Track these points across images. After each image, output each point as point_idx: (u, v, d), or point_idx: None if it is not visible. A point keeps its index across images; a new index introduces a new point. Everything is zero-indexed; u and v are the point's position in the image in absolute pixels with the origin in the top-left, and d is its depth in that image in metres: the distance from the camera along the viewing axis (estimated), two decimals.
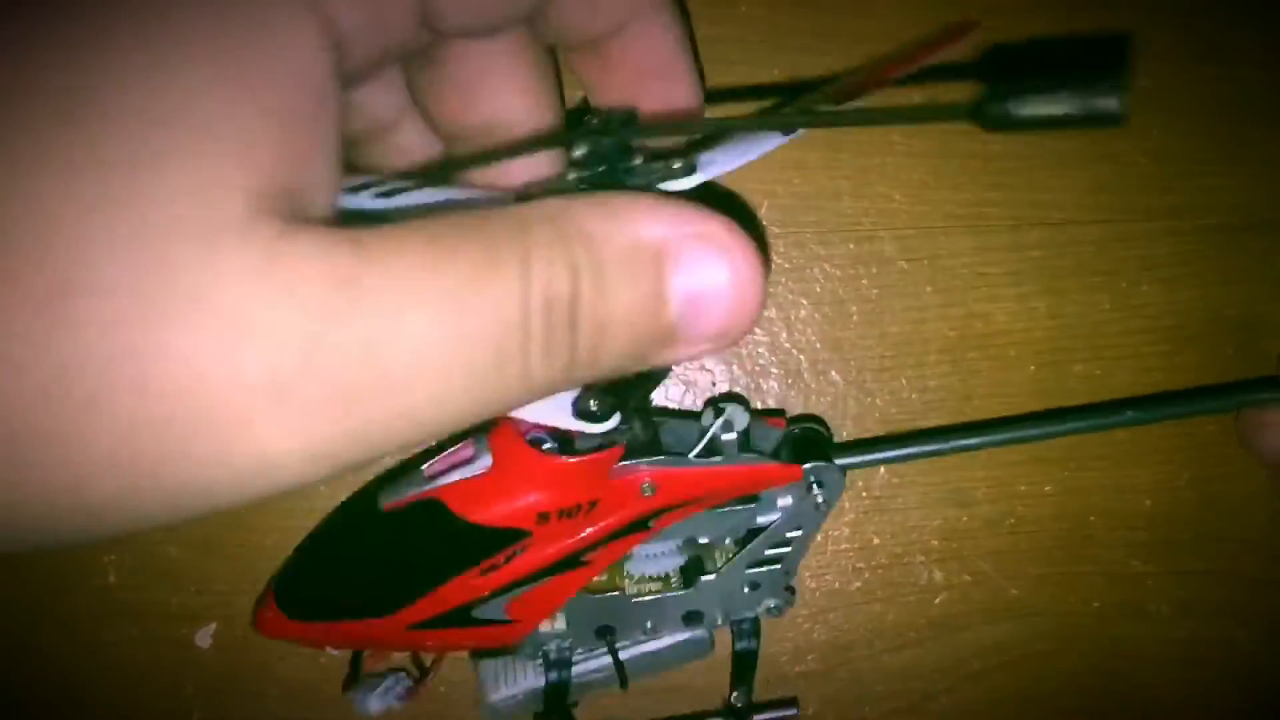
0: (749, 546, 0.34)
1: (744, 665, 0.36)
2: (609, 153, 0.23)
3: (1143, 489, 0.41)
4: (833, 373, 0.40)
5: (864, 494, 0.40)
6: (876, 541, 0.41)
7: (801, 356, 0.40)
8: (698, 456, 0.32)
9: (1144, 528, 0.41)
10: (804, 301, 0.40)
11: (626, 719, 0.40)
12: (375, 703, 0.34)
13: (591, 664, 0.35)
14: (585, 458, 0.30)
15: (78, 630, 0.39)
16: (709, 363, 0.40)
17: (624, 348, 0.20)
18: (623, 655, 0.35)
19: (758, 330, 0.40)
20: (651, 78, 0.27)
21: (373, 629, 0.31)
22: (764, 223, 0.40)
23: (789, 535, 0.34)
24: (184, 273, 0.15)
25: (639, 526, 0.32)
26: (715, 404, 0.35)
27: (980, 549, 0.41)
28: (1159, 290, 0.41)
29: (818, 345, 0.40)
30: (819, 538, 0.41)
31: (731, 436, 0.32)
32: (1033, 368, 0.41)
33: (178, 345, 0.15)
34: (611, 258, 0.19)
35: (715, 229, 0.21)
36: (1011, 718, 0.41)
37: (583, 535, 0.31)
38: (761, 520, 0.34)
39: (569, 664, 0.34)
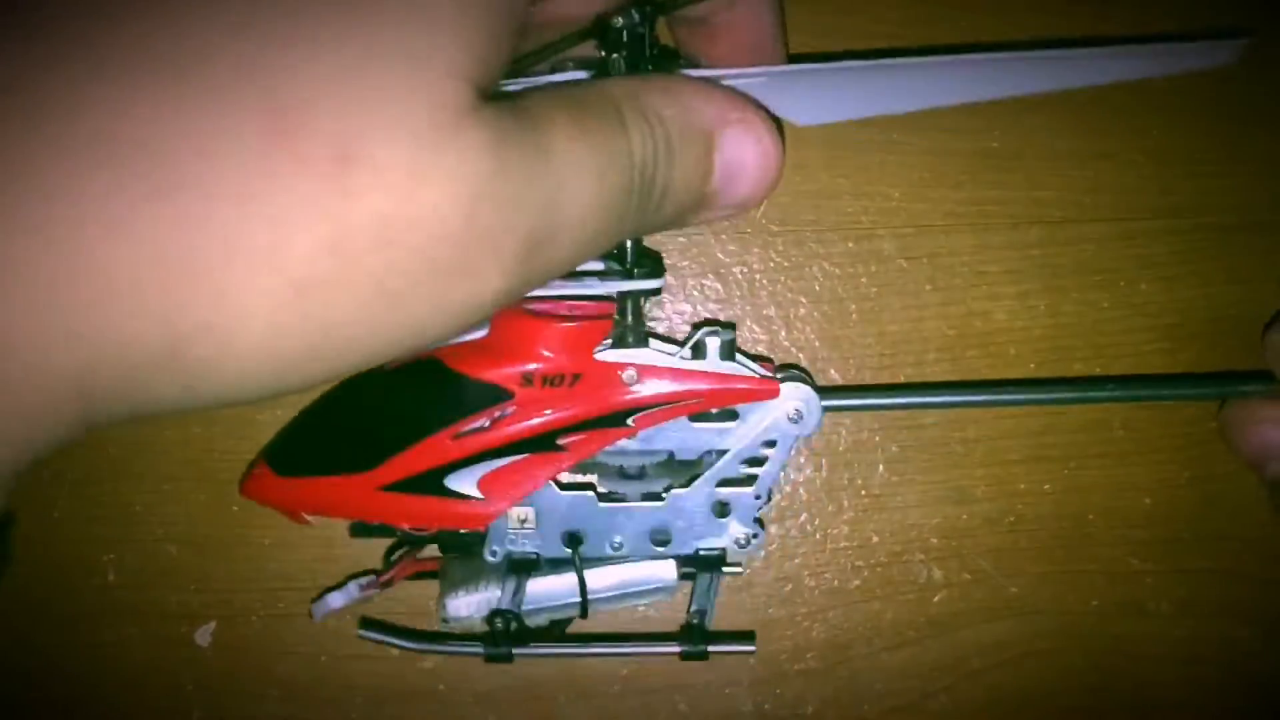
0: (721, 460, 0.34)
1: (704, 591, 0.35)
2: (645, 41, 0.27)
3: (1143, 487, 0.41)
4: (831, 371, 0.40)
5: (863, 492, 0.40)
6: (875, 540, 0.41)
7: (800, 355, 0.40)
8: (683, 357, 0.33)
9: (1144, 526, 0.41)
10: (803, 300, 0.40)
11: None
12: (336, 598, 0.35)
13: (554, 585, 0.34)
14: (573, 324, 0.32)
15: (78, 629, 0.39)
16: None
17: (676, 207, 0.25)
18: (587, 578, 0.34)
19: (756, 328, 0.40)
20: (749, 50, 0.30)
21: (349, 488, 0.32)
22: (763, 220, 0.40)
23: (763, 452, 0.34)
24: (440, 152, 0.19)
25: (619, 420, 0.32)
26: (704, 324, 0.37)
27: (980, 547, 0.41)
28: (1159, 289, 0.41)
29: (816, 344, 0.40)
30: (817, 536, 0.41)
31: (716, 341, 0.33)
32: (1032, 366, 0.41)
33: (435, 204, 0.19)
34: (676, 134, 0.23)
35: (751, 115, 0.25)
36: (1011, 716, 0.41)
37: (563, 410, 0.32)
38: (740, 447, 0.34)
39: (531, 568, 0.34)
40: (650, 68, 0.27)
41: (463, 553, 0.35)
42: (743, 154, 0.25)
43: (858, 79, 0.32)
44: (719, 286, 0.40)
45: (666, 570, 0.35)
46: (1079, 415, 0.41)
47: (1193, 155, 0.42)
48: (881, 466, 0.41)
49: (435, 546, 0.35)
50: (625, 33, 0.27)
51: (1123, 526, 0.41)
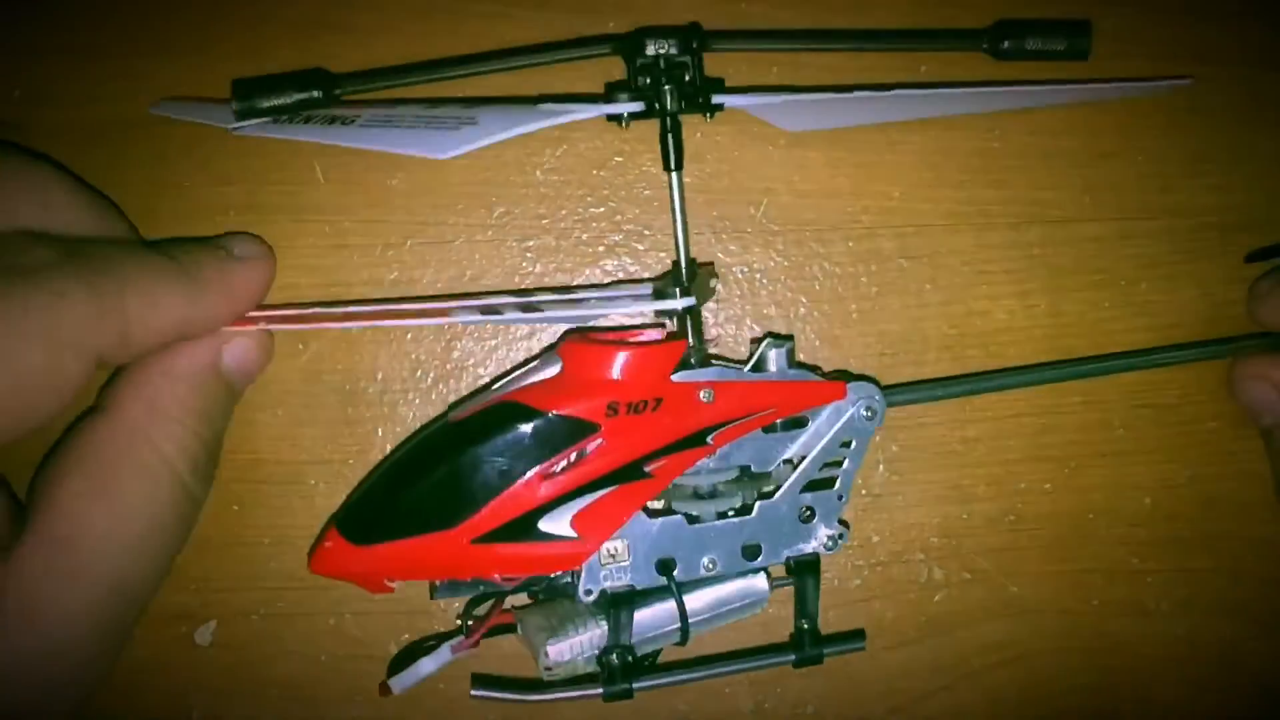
0: (803, 465, 0.34)
1: (806, 598, 0.35)
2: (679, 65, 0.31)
3: (1143, 486, 0.41)
4: (795, 349, 0.40)
5: (863, 491, 0.40)
6: (876, 539, 0.41)
7: (800, 354, 0.40)
8: (749, 371, 0.34)
9: (1144, 525, 0.41)
10: (803, 299, 0.40)
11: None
12: (427, 664, 0.34)
13: (650, 615, 0.34)
14: (649, 346, 0.32)
15: None
16: None
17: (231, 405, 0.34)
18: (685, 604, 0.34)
19: (756, 328, 0.40)
20: None
21: (437, 546, 0.31)
22: (763, 220, 0.40)
23: (840, 453, 0.35)
24: None
25: (699, 440, 0.33)
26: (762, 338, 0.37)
27: (980, 546, 0.41)
28: (1159, 288, 0.41)
29: (817, 343, 0.40)
30: None
31: (777, 353, 0.34)
32: None
33: None
34: (200, 405, 0.32)
35: (226, 332, 0.33)
36: (1010, 715, 0.41)
37: (649, 436, 0.32)
38: (820, 448, 0.35)
39: (629, 601, 0.33)
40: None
41: (549, 595, 0.34)
42: (240, 355, 0.33)
43: (859, 103, 0.34)
44: (719, 286, 0.39)
45: (759, 585, 0.35)
46: (1079, 415, 0.41)
47: (1192, 155, 0.42)
48: (882, 466, 0.41)
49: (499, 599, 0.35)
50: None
51: (1123, 526, 0.41)
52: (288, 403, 0.39)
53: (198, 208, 0.38)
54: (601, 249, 0.40)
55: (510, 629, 0.35)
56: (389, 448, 0.39)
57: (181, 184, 0.38)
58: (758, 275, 0.40)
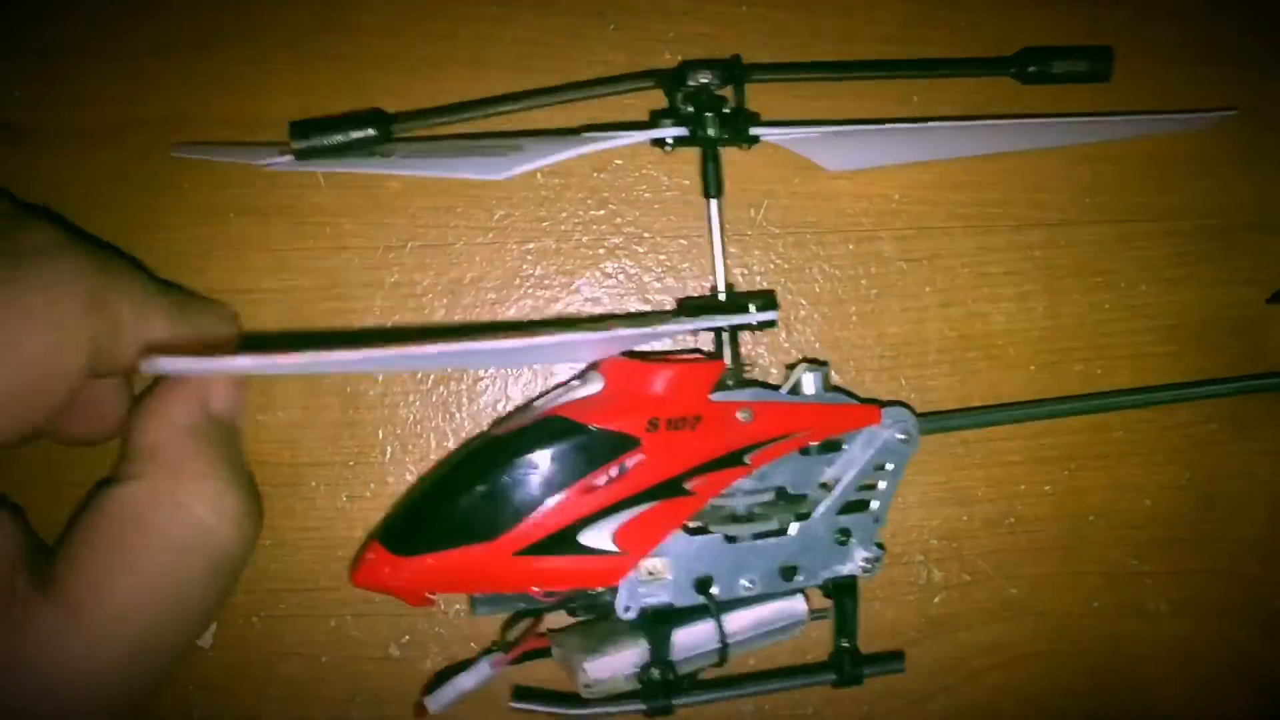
0: (840, 487, 0.34)
1: (846, 619, 0.35)
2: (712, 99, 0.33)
3: (1142, 488, 0.41)
4: (832, 374, 0.40)
5: None
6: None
7: (799, 356, 0.40)
8: (786, 394, 0.35)
9: (1143, 527, 0.41)
10: (803, 302, 0.40)
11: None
12: (466, 679, 0.34)
13: (689, 635, 0.34)
14: (690, 364, 0.33)
15: None
16: None
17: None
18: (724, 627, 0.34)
19: (757, 331, 0.40)
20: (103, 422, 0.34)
21: (479, 558, 0.31)
22: (764, 223, 0.40)
23: (875, 475, 0.35)
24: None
25: (737, 459, 0.33)
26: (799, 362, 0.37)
27: (980, 548, 0.41)
28: (1159, 290, 0.41)
29: (817, 346, 0.40)
30: None
31: (813, 376, 0.35)
32: (1032, 368, 0.41)
33: None
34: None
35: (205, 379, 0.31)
36: (1010, 717, 0.41)
37: (689, 453, 0.32)
38: (856, 471, 0.35)
39: (667, 620, 0.33)
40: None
41: (587, 614, 0.34)
42: (229, 403, 0.31)
43: (888, 136, 0.36)
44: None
45: (797, 606, 0.35)
46: (1078, 418, 0.41)
47: (1192, 157, 0.42)
48: None
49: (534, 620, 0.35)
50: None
51: (1122, 527, 0.41)
52: (288, 405, 0.39)
53: (199, 210, 0.38)
54: (602, 251, 0.40)
55: (545, 653, 0.34)
56: (390, 450, 0.39)
57: (182, 186, 0.38)
58: (758, 278, 0.40)
